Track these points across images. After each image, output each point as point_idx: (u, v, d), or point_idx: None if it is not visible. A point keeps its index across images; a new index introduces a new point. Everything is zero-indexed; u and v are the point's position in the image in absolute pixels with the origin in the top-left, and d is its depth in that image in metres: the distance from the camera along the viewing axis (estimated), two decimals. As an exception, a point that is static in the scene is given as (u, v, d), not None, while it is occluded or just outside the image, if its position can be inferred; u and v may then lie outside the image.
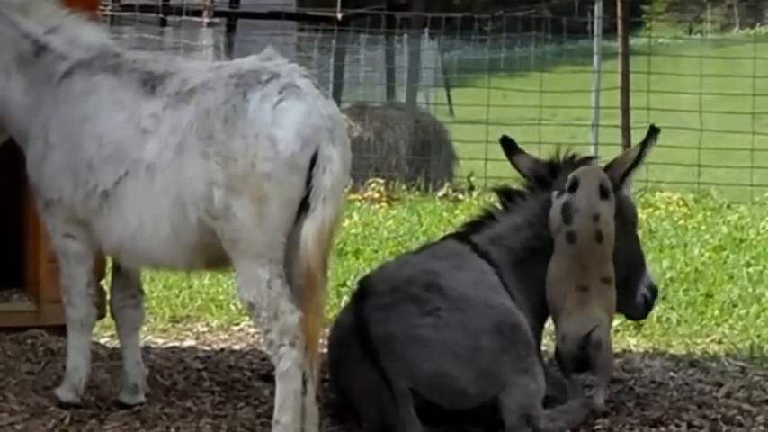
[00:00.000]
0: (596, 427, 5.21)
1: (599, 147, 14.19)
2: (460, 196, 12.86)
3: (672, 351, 6.57)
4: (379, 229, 10.53)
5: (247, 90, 4.68)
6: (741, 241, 9.98)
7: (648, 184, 13.37)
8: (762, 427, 5.25)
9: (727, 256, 9.28)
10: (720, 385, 5.79)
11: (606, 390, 5.33)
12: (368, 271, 6.29)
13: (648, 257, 8.87)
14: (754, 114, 14.23)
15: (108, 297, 5.42)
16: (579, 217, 5.30)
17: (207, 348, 6.48)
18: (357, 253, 9.22)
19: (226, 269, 5.04)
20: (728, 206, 12.32)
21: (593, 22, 16.63)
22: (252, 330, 6.72)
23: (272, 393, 4.84)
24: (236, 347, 6.51)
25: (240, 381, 5.74)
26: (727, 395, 5.64)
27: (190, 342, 6.67)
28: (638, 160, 5.53)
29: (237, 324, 7.04)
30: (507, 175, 5.71)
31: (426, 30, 19.99)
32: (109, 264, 5.56)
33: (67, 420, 5.12)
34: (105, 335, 6.38)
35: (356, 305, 5.15)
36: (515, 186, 5.62)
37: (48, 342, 6.01)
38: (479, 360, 4.96)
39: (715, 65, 17.07)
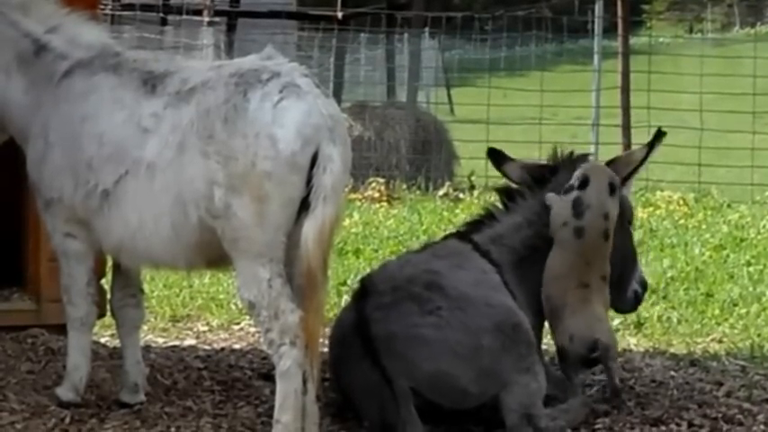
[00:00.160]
0: (597, 426, 5.21)
1: (599, 146, 14.20)
2: (461, 195, 12.86)
3: (672, 350, 6.57)
4: (380, 228, 10.53)
5: (248, 89, 4.68)
6: (741, 240, 9.98)
7: (649, 183, 13.36)
8: (762, 426, 5.25)
9: (728, 256, 9.28)
10: (721, 384, 5.79)
11: (618, 379, 5.36)
12: (368, 270, 6.30)
13: (649, 256, 8.92)
14: (754, 113, 14.23)
15: (108, 296, 5.42)
16: (591, 213, 5.33)
17: (207, 347, 6.48)
18: (357, 252, 9.22)
19: (226, 268, 5.04)
20: (729, 205, 12.31)
21: (593, 22, 16.64)
22: (252, 329, 6.72)
23: (273, 392, 4.84)
24: (237, 347, 6.51)
25: (241, 380, 5.74)
26: (728, 394, 5.64)
27: (190, 341, 6.67)
28: (642, 162, 5.55)
29: (238, 323, 7.04)
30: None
31: (427, 29, 19.99)
32: (109, 263, 5.56)
33: (68, 420, 5.12)
34: (106, 334, 6.38)
35: (357, 304, 5.15)
36: (516, 186, 5.63)
37: (48, 341, 6.01)
38: (480, 359, 4.96)
39: (715, 64, 17.07)
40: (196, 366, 5.93)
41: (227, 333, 6.88)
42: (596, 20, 16.12)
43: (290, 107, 4.63)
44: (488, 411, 5.00)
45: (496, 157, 5.68)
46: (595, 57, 15.74)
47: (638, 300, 5.69)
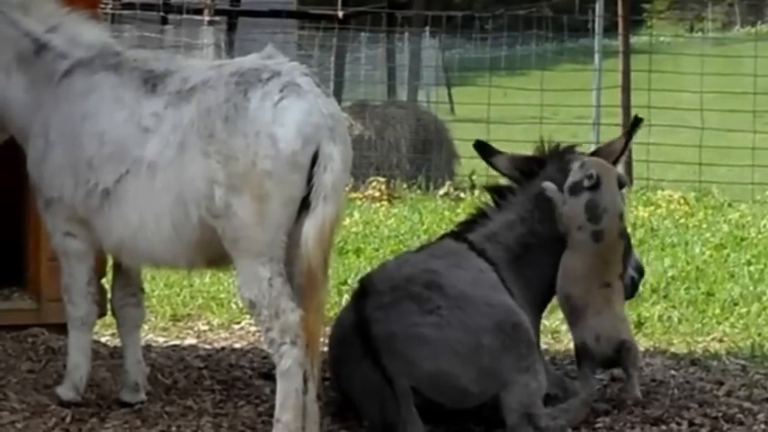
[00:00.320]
0: (597, 425, 5.21)
1: (600, 145, 14.16)
2: (462, 195, 12.85)
3: (673, 349, 6.57)
4: (380, 227, 10.53)
5: (248, 88, 4.68)
6: (742, 240, 9.97)
7: (650, 182, 13.37)
8: (763, 426, 5.25)
9: (728, 255, 9.27)
10: (721, 384, 5.79)
11: (637, 382, 5.39)
12: (369, 269, 6.29)
13: (650, 256, 8.92)
14: (755, 113, 14.23)
15: (109, 295, 5.42)
16: (608, 216, 5.33)
17: (208, 347, 6.48)
18: (358, 251, 9.22)
19: (227, 267, 5.04)
20: (729, 204, 12.31)
21: (593, 21, 16.64)
22: (253, 329, 6.72)
23: (273, 392, 4.83)
24: (237, 346, 6.51)
25: (241, 379, 5.74)
26: (728, 393, 5.64)
27: (191, 340, 6.67)
28: (623, 151, 5.55)
29: (238, 323, 7.04)
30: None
31: (427, 28, 20.00)
32: (110, 262, 5.56)
33: (68, 419, 5.11)
34: (106, 333, 6.38)
35: (357, 304, 5.15)
36: (505, 183, 5.63)
37: (48, 340, 6.00)
38: (480, 359, 4.96)
39: (716, 63, 17.07)
40: (197, 366, 5.93)
41: (228, 332, 6.88)
42: (597, 19, 16.12)
43: (291, 106, 4.63)
44: (489, 411, 5.00)
45: (484, 149, 5.68)
46: (596, 56, 15.74)
47: (635, 286, 5.69)
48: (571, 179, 5.38)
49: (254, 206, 4.62)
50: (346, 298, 5.84)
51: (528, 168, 5.56)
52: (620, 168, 5.66)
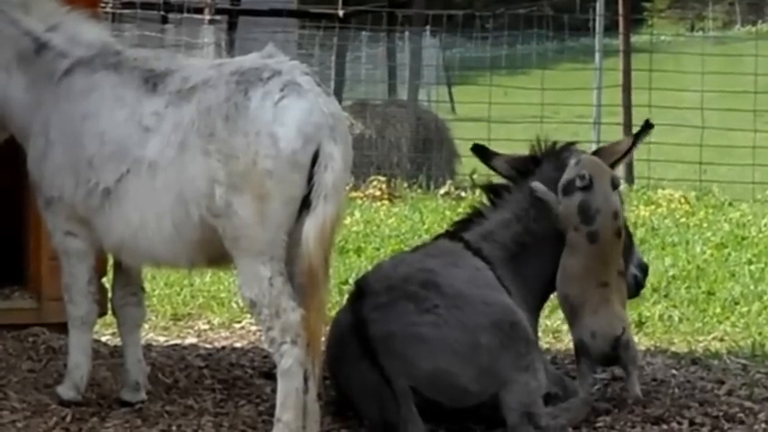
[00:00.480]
0: (598, 424, 5.21)
1: (601, 144, 14.16)
2: (463, 194, 12.85)
3: (673, 349, 6.57)
4: (381, 226, 10.53)
5: (249, 87, 4.68)
6: (743, 239, 9.97)
7: (650, 181, 13.36)
8: (764, 425, 5.24)
9: (729, 254, 9.27)
10: (722, 383, 5.79)
11: (638, 380, 5.39)
12: (369, 269, 6.29)
13: (651, 255, 8.91)
14: (755, 112, 14.22)
15: (109, 295, 5.42)
16: (602, 216, 5.32)
17: (208, 346, 6.48)
18: (359, 251, 9.22)
19: (227, 267, 5.04)
20: (730, 204, 12.31)
21: (594, 20, 16.62)
22: (253, 328, 6.72)
23: (274, 391, 4.83)
24: (238, 345, 6.51)
25: (242, 379, 5.74)
26: (729, 393, 5.64)
27: (191, 340, 6.66)
28: (626, 154, 5.54)
29: (239, 322, 7.03)
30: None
31: (428, 27, 19.99)
32: (110, 261, 5.56)
33: (69, 418, 5.11)
34: (107, 333, 6.38)
35: (354, 305, 5.14)
36: (500, 182, 5.63)
37: (49, 340, 6.00)
38: (479, 358, 4.96)
39: (717, 62, 17.08)
40: (197, 365, 5.92)
41: (229, 332, 6.88)
42: (597, 18, 16.11)
43: (291, 105, 4.63)
44: (488, 410, 5.00)
45: (482, 152, 5.68)
46: (596, 55, 15.73)
47: (638, 284, 5.68)
48: (565, 177, 5.38)
49: (255, 205, 4.62)
50: (347, 297, 5.84)
51: (524, 167, 5.56)
52: (619, 167, 5.65)
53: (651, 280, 7.82)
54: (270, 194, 4.61)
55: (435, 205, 11.99)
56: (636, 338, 6.72)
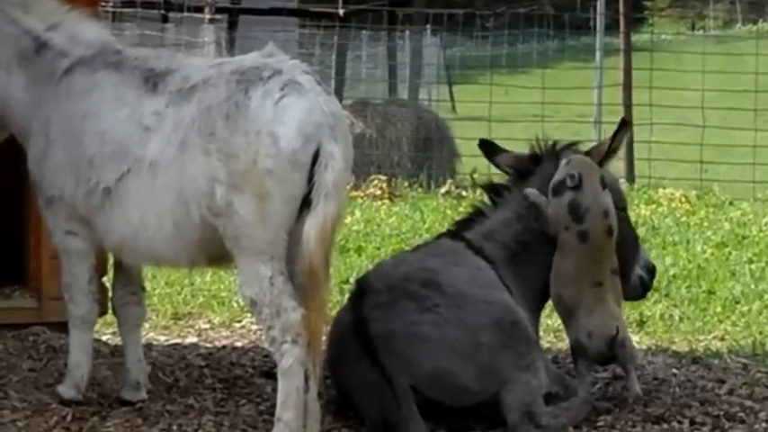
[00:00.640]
0: (599, 423, 5.21)
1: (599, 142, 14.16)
2: (463, 193, 12.85)
3: (674, 348, 6.57)
4: (382, 225, 10.53)
5: (249, 87, 4.68)
6: (743, 238, 9.97)
7: (651, 180, 13.36)
8: (764, 424, 5.24)
9: (730, 253, 9.27)
10: (723, 382, 5.79)
11: (636, 379, 5.39)
12: (370, 268, 6.29)
13: (651, 254, 8.90)
14: (756, 111, 14.22)
15: (110, 294, 5.42)
16: (591, 215, 5.31)
17: (209, 345, 6.48)
18: (359, 250, 9.22)
19: (228, 266, 5.04)
20: (731, 203, 12.30)
21: (595, 19, 16.63)
22: (254, 327, 6.71)
23: (275, 390, 4.83)
24: (239, 344, 6.51)
25: (242, 378, 5.74)
26: (730, 392, 5.64)
27: (192, 339, 6.66)
28: (607, 154, 5.52)
29: (239, 321, 7.03)
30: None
31: (428, 26, 19.98)
32: (111, 261, 5.56)
33: (69, 417, 5.11)
34: (107, 332, 6.38)
35: (354, 304, 5.14)
36: (501, 181, 5.63)
37: (49, 339, 6.00)
38: (480, 357, 4.96)
39: (717, 61, 17.07)
40: (198, 364, 5.92)
41: (229, 331, 6.87)
42: (598, 17, 16.11)
43: (292, 105, 4.63)
44: (489, 409, 5.00)
45: (488, 148, 5.67)
46: (597, 54, 15.73)
47: (644, 285, 5.66)
48: (556, 177, 5.39)
49: (255, 204, 4.62)
50: (348, 296, 5.84)
51: (525, 167, 5.56)
52: (620, 166, 5.64)
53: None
54: (270, 194, 4.61)
55: (436, 204, 11.98)
56: (636, 337, 6.73)
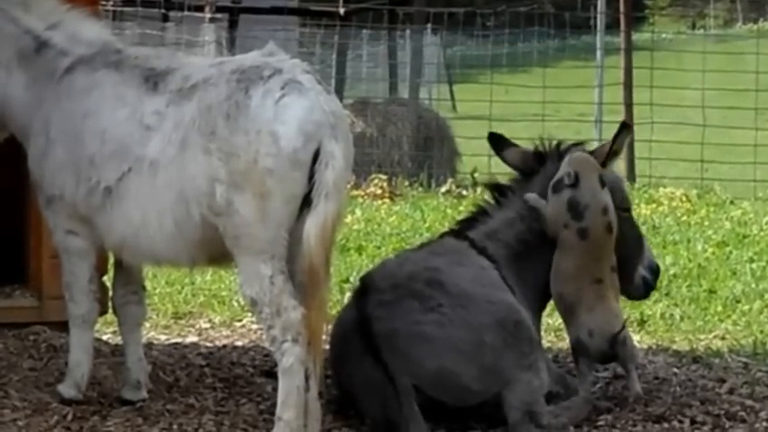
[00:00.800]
0: (599, 423, 5.21)
1: (602, 142, 14.16)
2: (464, 192, 12.85)
3: (675, 347, 6.57)
4: (382, 225, 10.53)
5: (249, 86, 4.68)
6: (744, 237, 9.97)
7: (652, 179, 13.36)
8: (765, 423, 5.24)
9: (731, 252, 9.26)
10: (723, 381, 5.79)
11: (637, 378, 5.39)
12: (371, 267, 6.29)
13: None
14: (757, 110, 14.22)
15: (110, 293, 5.42)
16: (590, 212, 5.32)
17: (209, 345, 6.48)
18: (360, 249, 9.22)
19: (228, 265, 5.03)
20: (732, 202, 12.30)
21: (595, 18, 16.62)
22: (254, 327, 6.71)
23: (275, 390, 4.83)
24: (239, 344, 6.50)
25: (243, 377, 5.73)
26: (731, 391, 5.64)
27: (192, 338, 6.66)
28: (608, 156, 5.51)
29: (240, 320, 7.03)
30: (510, 171, 5.72)
31: (429, 25, 19.98)
32: (111, 260, 5.56)
33: (70, 417, 5.11)
34: (108, 331, 6.38)
35: (358, 302, 5.14)
36: (505, 180, 5.63)
37: (50, 338, 6.00)
38: (482, 356, 4.96)
39: (718, 60, 17.06)
40: (198, 363, 5.92)
41: (230, 330, 6.87)
42: (599, 16, 16.10)
43: (292, 104, 4.63)
44: (490, 408, 5.00)
45: (497, 142, 5.66)
46: (598, 53, 15.73)
47: (647, 285, 5.64)
48: (557, 175, 5.39)
49: (256, 204, 4.62)
50: (348, 296, 5.84)
51: (528, 166, 5.55)
52: (620, 165, 5.63)
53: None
54: (271, 193, 4.61)
55: (436, 203, 11.98)
56: (637, 337, 6.73)
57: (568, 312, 5.36)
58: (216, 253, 4.85)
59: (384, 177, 13.32)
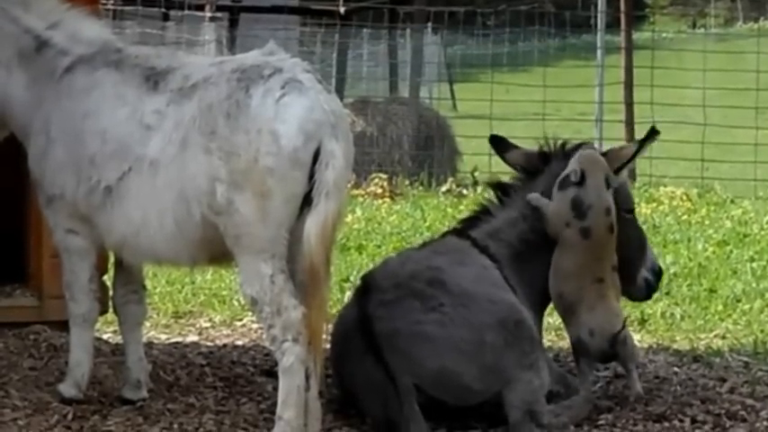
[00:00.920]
0: (600, 422, 5.20)
1: (603, 142, 14.17)
2: (464, 191, 12.85)
3: (675, 346, 6.57)
4: (383, 224, 10.52)
5: (250, 85, 4.67)
6: (745, 236, 9.96)
7: (652, 178, 13.36)
8: (765, 422, 5.24)
9: (731, 251, 9.26)
10: (724, 380, 5.79)
11: (638, 377, 5.39)
12: (371, 266, 6.29)
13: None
14: (757, 109, 14.22)
15: (111, 293, 5.42)
16: (593, 212, 5.32)
17: (210, 344, 6.48)
18: (360, 248, 9.22)
19: (229, 264, 5.03)
20: (732, 201, 12.30)
21: (596, 17, 16.60)
22: (255, 326, 6.71)
23: (275, 389, 4.83)
24: (239, 343, 6.50)
25: (243, 376, 5.73)
26: (731, 390, 5.64)
27: (193, 338, 6.66)
28: (630, 160, 5.52)
29: (240, 320, 7.03)
30: (511, 170, 5.71)
31: (429, 24, 19.99)
32: (111, 259, 5.56)
33: (70, 416, 5.11)
34: (108, 330, 6.38)
35: (359, 301, 5.14)
36: (508, 180, 5.62)
37: (50, 338, 6.00)
38: (483, 356, 4.96)
39: (718, 59, 17.05)
40: (198, 363, 5.92)
41: (230, 329, 6.87)
42: (599, 15, 16.09)
43: (292, 103, 4.63)
44: (491, 408, 4.99)
45: (499, 144, 5.65)
46: (598, 52, 15.71)
47: (650, 287, 5.64)
48: (564, 172, 5.39)
49: (256, 203, 4.62)
50: (348, 295, 5.83)
51: (533, 165, 5.55)
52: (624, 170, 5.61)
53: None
54: (271, 192, 4.61)
55: (437, 203, 11.98)
56: (638, 336, 6.73)
57: (568, 311, 5.36)
58: (216, 252, 4.85)
59: (384, 176, 13.32)
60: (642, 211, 11.22)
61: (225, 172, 4.65)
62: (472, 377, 4.95)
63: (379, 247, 9.26)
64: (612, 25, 17.20)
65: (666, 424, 5.20)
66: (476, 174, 13.54)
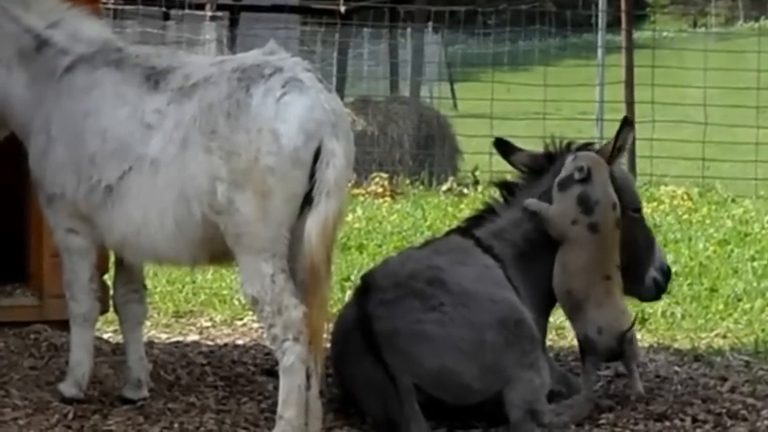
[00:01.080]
0: (601, 421, 5.20)
1: (604, 141, 14.16)
2: (465, 191, 12.84)
3: (676, 345, 6.57)
4: (383, 223, 10.52)
5: (250, 84, 4.67)
6: (746, 235, 9.96)
7: (653, 177, 13.35)
8: (766, 422, 5.24)
9: (732, 251, 9.26)
10: (725, 380, 5.78)
11: (639, 377, 5.40)
12: (371, 266, 6.28)
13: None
14: (758, 108, 14.21)
15: (111, 292, 5.42)
16: (601, 207, 5.32)
17: (210, 343, 6.48)
18: (361, 248, 9.21)
19: (229, 264, 5.03)
20: (733, 200, 12.30)
21: (597, 16, 16.60)
22: (255, 325, 6.71)
23: (276, 388, 4.83)
24: (240, 342, 6.50)
25: (244, 376, 5.73)
26: (732, 389, 5.63)
27: (193, 337, 6.66)
28: (612, 153, 5.50)
29: (241, 319, 7.03)
30: (512, 169, 5.71)
31: (430, 23, 19.98)
32: (112, 258, 5.56)
33: (71, 416, 5.11)
34: (108, 330, 6.38)
35: (359, 300, 5.14)
36: (514, 179, 5.61)
37: (51, 337, 6.00)
38: (484, 355, 4.96)
39: (719, 58, 17.04)
40: (199, 362, 5.92)
41: (231, 329, 6.87)
42: (600, 14, 16.08)
43: (293, 102, 4.63)
44: (492, 407, 4.99)
45: (504, 147, 5.64)
46: (599, 51, 15.71)
47: (659, 287, 5.61)
48: (562, 174, 5.39)
49: (257, 202, 4.62)
50: (349, 294, 5.83)
51: (538, 165, 5.54)
52: (623, 164, 5.63)
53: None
54: (272, 191, 4.61)
55: (437, 202, 11.98)
56: (638, 335, 6.72)
57: (576, 309, 5.35)
58: (217, 252, 4.85)
59: (385, 176, 13.32)
60: (643, 210, 11.21)
61: (225, 171, 4.64)
62: (472, 376, 4.94)
63: (380, 246, 9.26)
64: (613, 24, 17.19)
65: (667, 423, 5.20)
66: (476, 173, 13.54)
